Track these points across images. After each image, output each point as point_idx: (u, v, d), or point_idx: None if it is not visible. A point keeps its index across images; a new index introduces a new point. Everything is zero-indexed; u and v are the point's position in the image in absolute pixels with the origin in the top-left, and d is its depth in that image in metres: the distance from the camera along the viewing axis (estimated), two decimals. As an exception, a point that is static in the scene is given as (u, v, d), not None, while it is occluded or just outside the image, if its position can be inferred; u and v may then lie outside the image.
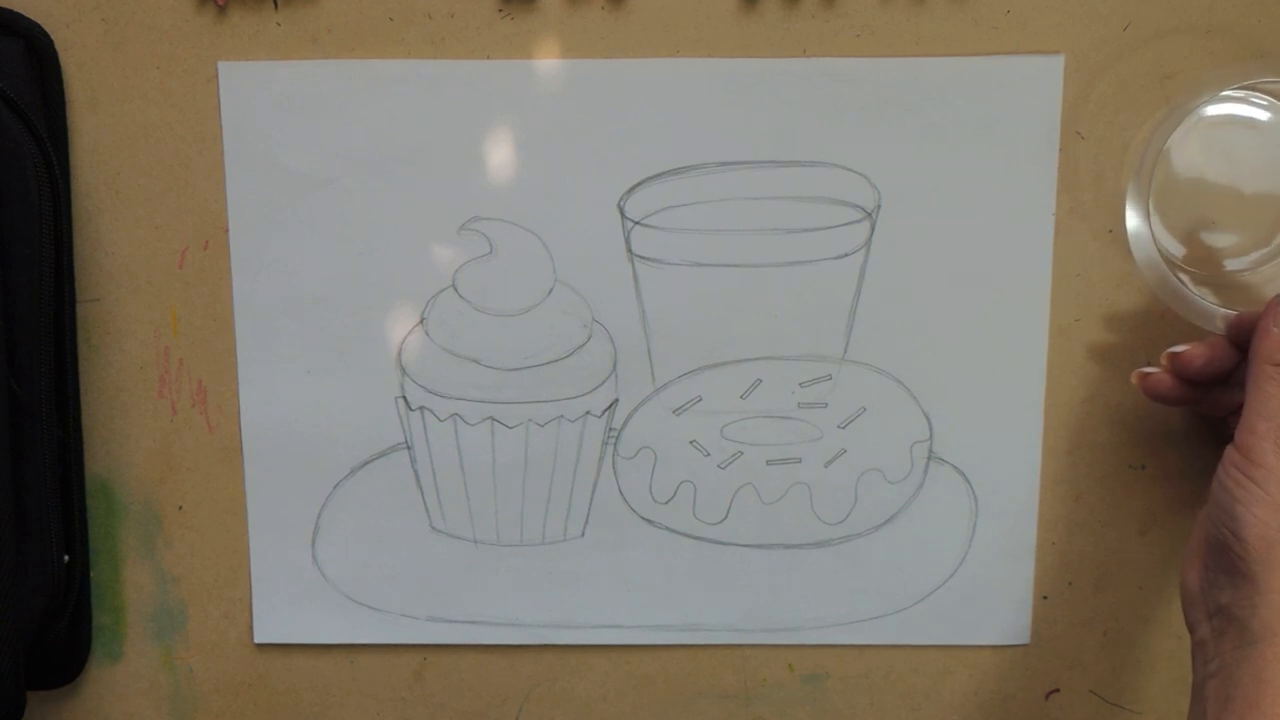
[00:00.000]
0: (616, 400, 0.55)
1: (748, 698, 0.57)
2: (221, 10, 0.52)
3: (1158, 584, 0.56)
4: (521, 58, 0.52)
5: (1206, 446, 0.54)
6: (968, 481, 0.55)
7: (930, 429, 0.55)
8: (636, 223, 0.53)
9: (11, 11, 0.52)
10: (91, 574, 0.56)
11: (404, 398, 0.55)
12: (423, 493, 0.56)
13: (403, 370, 0.54)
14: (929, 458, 0.55)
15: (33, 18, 0.52)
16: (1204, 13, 0.51)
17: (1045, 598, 0.56)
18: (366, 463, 0.55)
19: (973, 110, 0.52)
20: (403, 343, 0.54)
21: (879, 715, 0.57)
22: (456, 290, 0.54)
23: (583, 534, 0.56)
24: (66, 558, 0.53)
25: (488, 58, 0.52)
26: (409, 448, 0.55)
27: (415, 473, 0.55)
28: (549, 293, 0.54)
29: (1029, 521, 0.55)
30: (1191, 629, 0.49)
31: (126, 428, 0.55)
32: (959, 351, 0.54)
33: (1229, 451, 0.47)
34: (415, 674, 0.57)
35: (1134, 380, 0.52)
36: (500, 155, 0.53)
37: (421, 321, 0.54)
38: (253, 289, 0.54)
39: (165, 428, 0.55)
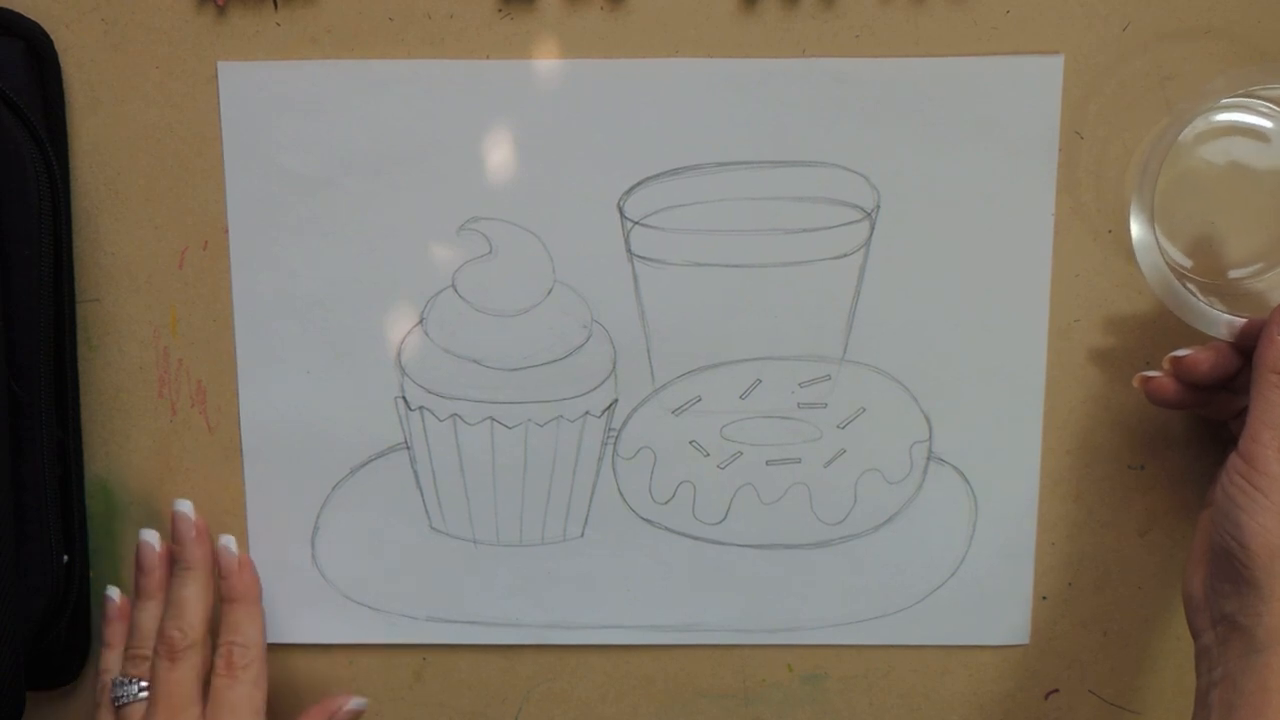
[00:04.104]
0: (616, 400, 0.55)
1: (747, 698, 0.57)
2: (221, 10, 0.52)
3: (1158, 585, 0.56)
4: (521, 58, 0.52)
5: (1207, 448, 0.54)
6: (967, 482, 0.55)
7: (930, 429, 0.55)
8: (636, 223, 0.53)
9: (11, 11, 0.52)
10: (91, 574, 0.56)
11: (403, 398, 0.55)
12: (422, 493, 0.56)
13: (402, 370, 0.54)
14: (929, 458, 0.55)
15: (33, 18, 0.52)
16: (1204, 14, 0.51)
17: (1045, 598, 0.56)
18: (366, 463, 0.55)
19: (973, 110, 0.52)
20: (402, 343, 0.54)
21: (878, 715, 0.57)
22: (456, 290, 0.54)
23: (582, 534, 0.56)
24: (66, 558, 0.53)
25: (488, 58, 0.52)
26: (408, 448, 0.55)
27: (415, 473, 0.55)
28: (549, 293, 0.54)
29: (1029, 521, 0.55)
30: (1195, 635, 0.49)
31: (126, 428, 0.55)
32: (959, 351, 0.54)
33: (1233, 459, 0.47)
34: (415, 674, 0.57)
35: (1136, 383, 0.52)
36: (500, 155, 0.53)
37: (421, 321, 0.54)
38: (252, 289, 0.54)
39: (165, 428, 0.55)
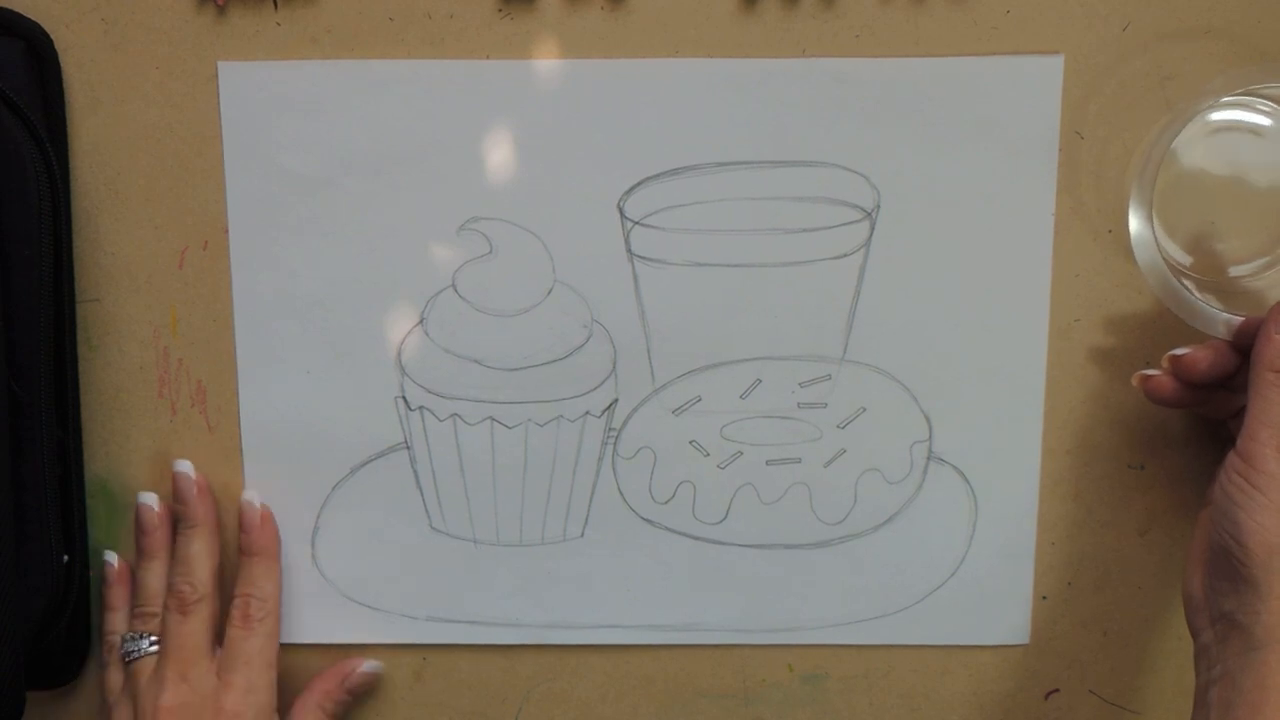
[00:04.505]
0: (616, 400, 0.55)
1: (747, 698, 0.57)
2: (221, 10, 0.52)
3: (1157, 584, 0.56)
4: (521, 58, 0.52)
5: (1206, 447, 0.54)
6: (967, 481, 0.55)
7: (930, 429, 0.55)
8: (636, 223, 0.53)
9: (11, 11, 0.52)
10: (91, 574, 0.56)
11: (404, 398, 0.55)
12: (422, 493, 0.56)
13: (402, 370, 0.54)
14: (929, 458, 0.55)
15: (33, 18, 0.52)
16: (1204, 14, 0.51)
17: (1045, 598, 0.56)
18: (366, 463, 0.55)
19: (973, 110, 0.52)
20: (402, 343, 0.54)
21: (878, 715, 0.57)
22: (456, 290, 0.54)
23: (582, 534, 0.56)
24: (66, 558, 0.53)
25: (488, 58, 0.52)
26: (409, 448, 0.55)
27: (415, 473, 0.55)
28: (549, 293, 0.54)
29: (1029, 521, 0.55)
30: (1195, 634, 0.49)
31: (126, 428, 0.55)
32: (959, 351, 0.54)
33: (1231, 457, 0.47)
34: (415, 674, 0.57)
35: (1135, 382, 0.52)
36: (500, 155, 0.53)
37: (421, 321, 0.54)
38: (252, 289, 0.54)
39: (165, 428, 0.55)
